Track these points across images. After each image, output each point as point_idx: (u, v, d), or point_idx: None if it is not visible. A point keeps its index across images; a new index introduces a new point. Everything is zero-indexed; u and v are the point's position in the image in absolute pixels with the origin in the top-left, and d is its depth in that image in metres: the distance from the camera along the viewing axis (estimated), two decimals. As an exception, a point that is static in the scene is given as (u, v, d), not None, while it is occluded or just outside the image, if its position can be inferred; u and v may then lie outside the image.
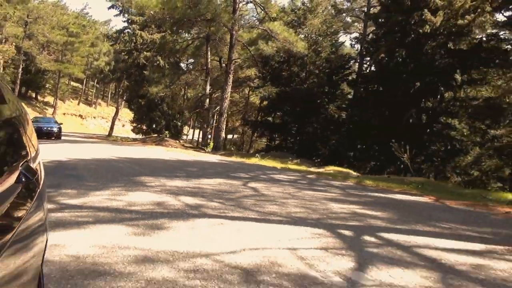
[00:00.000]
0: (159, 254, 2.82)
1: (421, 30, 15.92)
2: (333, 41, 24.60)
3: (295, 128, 24.73)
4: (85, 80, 78.07)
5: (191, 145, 24.51)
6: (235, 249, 3.09)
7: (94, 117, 76.95)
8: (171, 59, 32.25)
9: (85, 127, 68.80)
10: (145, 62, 34.37)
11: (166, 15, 19.96)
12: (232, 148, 33.14)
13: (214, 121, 24.24)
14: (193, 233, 3.51)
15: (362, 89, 21.40)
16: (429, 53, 16.33)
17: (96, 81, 79.44)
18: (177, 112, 39.19)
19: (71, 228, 3.39)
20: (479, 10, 14.17)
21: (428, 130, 18.97)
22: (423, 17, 15.11)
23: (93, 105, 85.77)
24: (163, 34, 25.76)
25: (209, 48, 24.68)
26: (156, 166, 9.81)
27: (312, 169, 13.90)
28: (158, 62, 32.48)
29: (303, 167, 13.97)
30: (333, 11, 25.91)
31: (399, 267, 2.94)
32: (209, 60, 25.13)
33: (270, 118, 25.95)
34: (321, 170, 13.87)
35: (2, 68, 52.52)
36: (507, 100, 15.25)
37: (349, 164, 19.14)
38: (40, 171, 1.54)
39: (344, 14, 28.26)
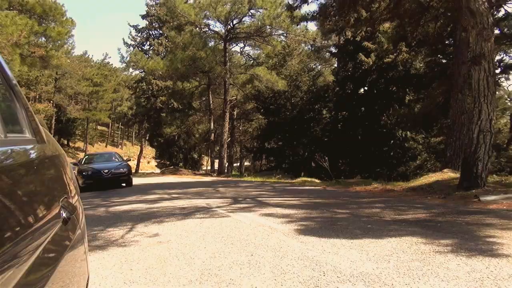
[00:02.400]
0: (161, 205, 7.94)
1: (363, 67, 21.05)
2: (311, 76, 29.67)
3: (287, 151, 29.66)
4: (110, 123, 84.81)
5: (200, 173, 29.71)
6: (188, 204, 8.18)
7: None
8: (184, 101, 37.94)
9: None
10: (161, 105, 40.17)
11: (171, 73, 25.70)
12: (245, 174, 38.22)
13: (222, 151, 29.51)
14: (175, 202, 8.62)
15: (333, 113, 26.37)
16: (371, 82, 21.31)
17: (120, 123, 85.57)
18: (193, 146, 44.62)
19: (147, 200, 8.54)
20: (398, 50, 19.16)
21: (389, 141, 23.67)
22: (359, 59, 20.21)
23: (120, 146, 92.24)
24: (173, 83, 31.46)
25: (210, 92, 30.26)
26: (162, 185, 15.01)
27: (283, 180, 18.88)
28: (172, 104, 38.24)
29: (275, 179, 19.01)
30: (311, 50, 31.13)
31: (249, 204, 7.97)
32: (211, 101, 30.66)
33: (266, 144, 31.02)
34: (291, 180, 18.78)
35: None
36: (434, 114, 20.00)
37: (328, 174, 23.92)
38: (80, 208, 1.60)
39: (324, 50, 33.42)
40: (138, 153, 57.65)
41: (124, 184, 14.38)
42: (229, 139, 39.94)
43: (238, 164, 48.86)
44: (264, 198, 8.89)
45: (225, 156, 27.27)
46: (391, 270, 3.04)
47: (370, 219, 5.59)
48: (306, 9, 14.48)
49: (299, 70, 28.22)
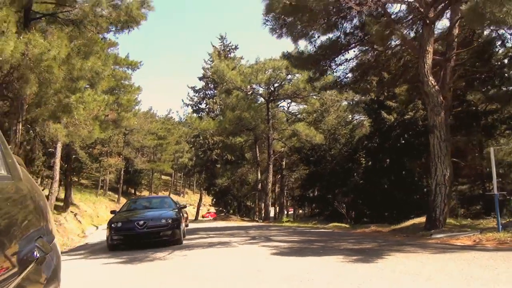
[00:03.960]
0: (197, 241, 11.08)
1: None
2: (349, 129, 32.32)
3: (329, 198, 32.06)
4: (173, 173, 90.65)
5: (248, 219, 32.71)
6: (216, 240, 11.25)
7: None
8: (236, 153, 41.78)
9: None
10: (216, 157, 44.24)
11: (220, 132, 29.61)
12: (286, 219, 40.82)
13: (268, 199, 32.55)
14: (208, 239, 11.73)
15: (370, 162, 28.70)
16: (395, 136, 23.71)
17: (182, 173, 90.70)
18: (246, 194, 47.98)
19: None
20: (416, 108, 21.66)
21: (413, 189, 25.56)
22: (382, 116, 22.88)
23: (181, 194, 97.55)
24: (223, 139, 35.43)
25: (257, 146, 33.80)
26: (208, 228, 18.17)
27: (316, 225, 21.45)
28: (226, 156, 42.20)
29: (309, 225, 21.63)
30: (349, 104, 33.96)
31: (259, 240, 10.93)
32: (257, 154, 34.12)
33: (310, 192, 33.61)
34: (322, 225, 21.31)
35: (108, 173, 65.67)
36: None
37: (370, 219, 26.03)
38: (55, 248, 1.56)
39: (361, 103, 36.08)
40: (198, 200, 61.95)
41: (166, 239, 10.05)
42: (279, 188, 43.00)
43: (292, 211, 51.57)
44: (275, 237, 11.77)
45: (269, 203, 30.26)
46: (315, 270, 5.93)
47: (328, 248, 8.37)
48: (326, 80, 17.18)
49: (336, 124, 31.05)
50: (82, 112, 17.12)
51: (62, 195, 37.63)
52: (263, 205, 32.48)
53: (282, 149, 34.48)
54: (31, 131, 19.98)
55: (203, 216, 50.96)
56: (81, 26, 14.85)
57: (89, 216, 34.28)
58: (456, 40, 13.40)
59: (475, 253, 7.11)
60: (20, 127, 13.94)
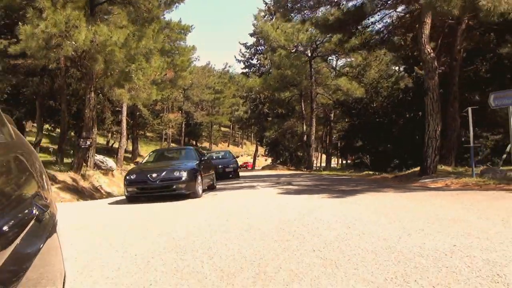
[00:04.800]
0: (230, 185, 13.97)
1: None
2: (391, 82, 33.41)
3: (368, 148, 33.89)
4: (231, 125, 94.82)
5: (293, 168, 35.40)
6: (246, 184, 14.08)
7: (241, 155, 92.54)
8: (284, 107, 44.15)
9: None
10: (267, 111, 46.87)
11: (265, 89, 31.96)
12: (322, 169, 43.02)
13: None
14: (240, 184, 14.58)
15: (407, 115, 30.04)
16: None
17: (238, 126, 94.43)
18: (297, 145, 50.63)
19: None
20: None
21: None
22: (416, 71, 24.07)
23: (240, 145, 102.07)
24: (270, 94, 37.81)
25: (302, 100, 35.90)
26: (249, 176, 21.07)
27: (350, 174, 23.73)
28: (277, 110, 44.75)
29: (345, 173, 23.94)
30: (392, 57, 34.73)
31: (280, 184, 13.61)
32: (303, 108, 36.28)
33: (352, 143, 35.51)
34: (356, 173, 23.54)
35: (169, 127, 70.73)
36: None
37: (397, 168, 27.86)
38: (53, 205, 1.58)
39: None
40: (254, 151, 65.70)
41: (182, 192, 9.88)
42: (328, 139, 45.13)
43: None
44: (295, 182, 14.36)
45: (312, 154, 32.74)
46: (294, 201, 8.54)
47: (323, 190, 10.86)
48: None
49: (378, 78, 32.27)
50: (141, 77, 20.09)
51: (130, 148, 42.35)
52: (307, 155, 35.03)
53: (328, 102, 36.36)
54: (100, 95, 23.49)
55: (240, 166, 54.28)
56: (136, 6, 17.67)
57: (154, 166, 38.48)
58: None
59: (431, 192, 9.28)
60: (92, 94, 17.20)
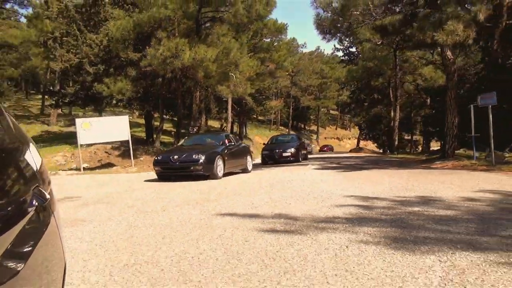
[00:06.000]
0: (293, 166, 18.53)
1: None
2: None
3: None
4: (339, 108, 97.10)
5: (380, 151, 38.14)
6: (309, 163, 18.49)
7: (349, 138, 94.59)
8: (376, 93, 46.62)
9: (342, 147, 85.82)
10: (365, 96, 49.70)
11: (349, 80, 35.46)
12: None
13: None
14: (305, 163, 19.02)
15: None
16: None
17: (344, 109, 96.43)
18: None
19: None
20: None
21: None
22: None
23: (348, 128, 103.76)
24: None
25: (390, 87, 38.40)
26: (322, 157, 25.16)
27: (422, 157, 26.51)
28: (373, 96, 47.46)
29: (420, 157, 26.77)
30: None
31: (329, 163, 17.80)
32: (391, 95, 38.76)
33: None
34: (413, 156, 26.25)
35: (279, 111, 76.26)
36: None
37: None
38: (53, 196, 1.58)
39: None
40: (358, 134, 68.46)
41: (200, 173, 10.90)
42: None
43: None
44: (342, 163, 18.27)
45: (396, 138, 35.38)
46: (318, 175, 12.93)
47: (350, 168, 14.81)
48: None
49: (463, 65, 33.54)
50: (238, 76, 25.31)
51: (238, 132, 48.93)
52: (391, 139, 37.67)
53: (414, 89, 38.48)
54: (209, 89, 29.40)
55: (320, 149, 57.39)
56: (231, 22, 22.83)
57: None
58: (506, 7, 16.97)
59: (420, 170, 12.76)
60: (198, 93, 22.91)
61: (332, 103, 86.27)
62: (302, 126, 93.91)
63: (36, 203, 1.27)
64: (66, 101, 27.35)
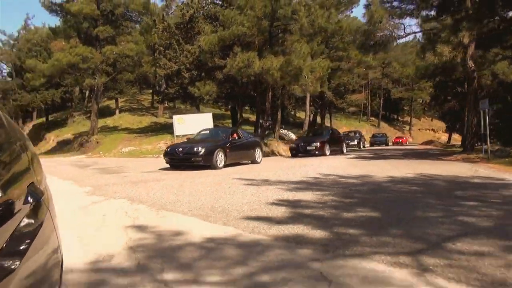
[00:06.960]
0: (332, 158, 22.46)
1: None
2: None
3: None
4: (429, 99, 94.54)
5: (445, 145, 39.38)
6: (344, 157, 22.26)
7: (444, 130, 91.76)
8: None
9: (436, 138, 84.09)
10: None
11: (420, 76, 37.62)
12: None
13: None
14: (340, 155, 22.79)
15: None
16: None
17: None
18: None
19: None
20: None
21: None
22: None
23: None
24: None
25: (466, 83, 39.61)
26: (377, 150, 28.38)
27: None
28: (456, 90, 48.17)
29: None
30: None
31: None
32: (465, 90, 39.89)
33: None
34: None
35: (370, 101, 77.73)
36: None
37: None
38: (48, 193, 1.58)
39: None
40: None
41: (200, 163, 12.30)
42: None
43: None
44: (366, 155, 21.61)
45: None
46: (336, 161, 17.00)
47: (375, 157, 18.41)
48: None
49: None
50: (310, 76, 29.47)
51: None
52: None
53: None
54: (282, 89, 33.93)
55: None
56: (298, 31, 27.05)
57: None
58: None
59: (439, 161, 15.78)
60: (270, 92, 27.53)
61: (426, 94, 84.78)
62: (395, 117, 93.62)
63: (31, 200, 1.27)
64: (170, 97, 33.89)
